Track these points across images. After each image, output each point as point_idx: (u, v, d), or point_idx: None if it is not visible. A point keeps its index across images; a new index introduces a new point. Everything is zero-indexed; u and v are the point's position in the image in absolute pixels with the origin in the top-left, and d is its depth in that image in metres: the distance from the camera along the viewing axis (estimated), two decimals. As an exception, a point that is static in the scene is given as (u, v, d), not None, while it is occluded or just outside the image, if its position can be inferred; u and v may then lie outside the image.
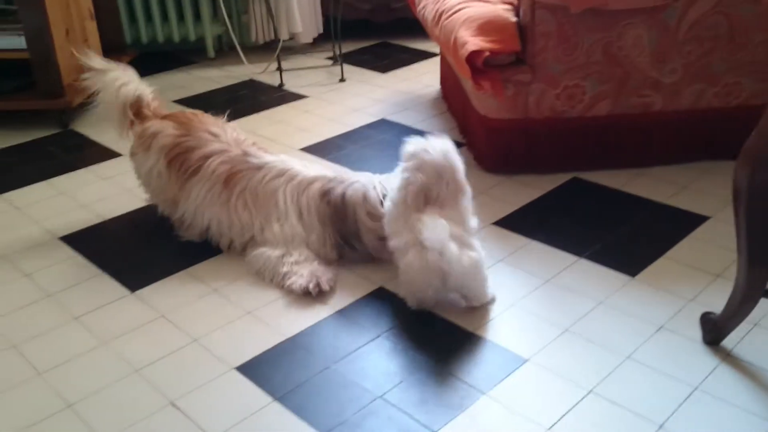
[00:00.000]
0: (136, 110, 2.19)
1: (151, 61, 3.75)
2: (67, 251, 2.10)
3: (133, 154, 2.20)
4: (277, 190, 1.97)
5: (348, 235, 1.94)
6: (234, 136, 2.13)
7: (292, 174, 2.00)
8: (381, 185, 1.93)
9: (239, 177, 2.01)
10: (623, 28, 2.21)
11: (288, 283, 1.87)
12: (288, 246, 1.94)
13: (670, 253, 1.97)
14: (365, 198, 1.91)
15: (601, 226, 2.11)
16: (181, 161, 2.07)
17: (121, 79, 2.19)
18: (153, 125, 2.15)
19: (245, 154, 2.06)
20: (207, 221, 2.05)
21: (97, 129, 2.96)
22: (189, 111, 2.23)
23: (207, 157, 2.05)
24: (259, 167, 2.02)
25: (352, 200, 1.92)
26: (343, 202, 1.93)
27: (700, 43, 2.25)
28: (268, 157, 2.06)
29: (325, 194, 1.95)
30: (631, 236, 2.06)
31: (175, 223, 2.14)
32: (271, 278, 1.91)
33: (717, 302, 1.72)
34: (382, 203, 1.88)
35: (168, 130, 2.12)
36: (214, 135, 2.10)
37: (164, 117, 2.18)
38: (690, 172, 2.39)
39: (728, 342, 1.62)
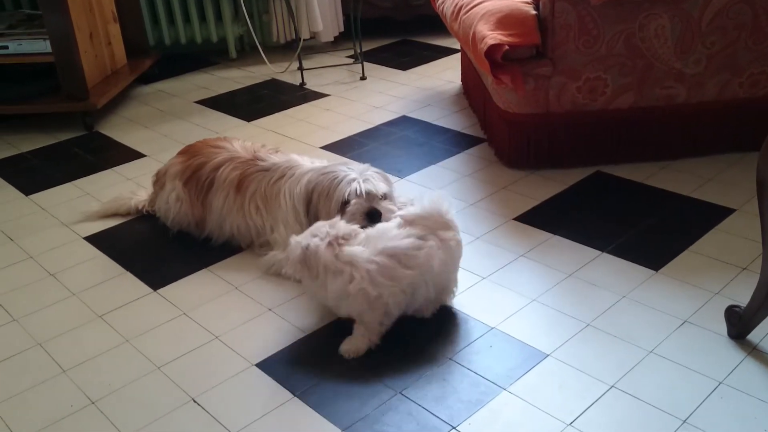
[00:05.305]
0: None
1: (173, 62, 3.79)
2: (92, 251, 2.13)
3: (152, 202, 2.26)
4: (280, 191, 1.97)
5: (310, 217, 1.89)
6: (241, 144, 2.14)
7: (292, 173, 1.99)
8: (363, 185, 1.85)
9: (250, 180, 2.02)
10: (645, 19, 2.18)
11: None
12: None
13: (695, 247, 1.94)
14: (330, 190, 1.85)
15: (625, 219, 2.08)
16: (196, 179, 2.09)
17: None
18: (162, 167, 2.22)
19: (255, 158, 2.06)
20: (229, 229, 2.06)
21: (121, 131, 3.00)
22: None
23: (218, 167, 2.06)
24: (267, 169, 2.02)
25: (318, 189, 1.87)
26: (313, 189, 1.89)
27: (724, 32, 2.21)
28: (276, 158, 2.06)
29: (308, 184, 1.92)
30: (655, 230, 2.03)
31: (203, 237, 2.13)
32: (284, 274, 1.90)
33: (743, 296, 1.69)
34: (347, 203, 1.83)
35: (175, 160, 2.18)
36: (220, 147, 2.13)
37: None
38: (715, 164, 2.35)
39: (754, 336, 1.59)
